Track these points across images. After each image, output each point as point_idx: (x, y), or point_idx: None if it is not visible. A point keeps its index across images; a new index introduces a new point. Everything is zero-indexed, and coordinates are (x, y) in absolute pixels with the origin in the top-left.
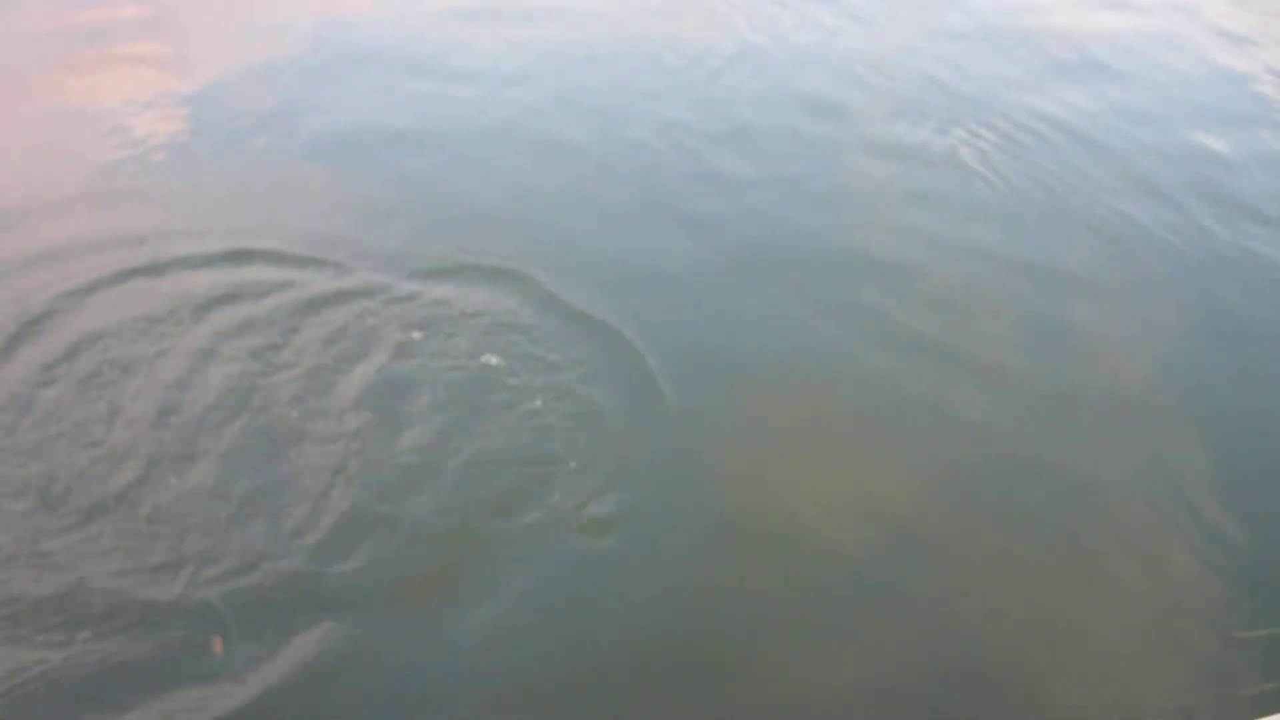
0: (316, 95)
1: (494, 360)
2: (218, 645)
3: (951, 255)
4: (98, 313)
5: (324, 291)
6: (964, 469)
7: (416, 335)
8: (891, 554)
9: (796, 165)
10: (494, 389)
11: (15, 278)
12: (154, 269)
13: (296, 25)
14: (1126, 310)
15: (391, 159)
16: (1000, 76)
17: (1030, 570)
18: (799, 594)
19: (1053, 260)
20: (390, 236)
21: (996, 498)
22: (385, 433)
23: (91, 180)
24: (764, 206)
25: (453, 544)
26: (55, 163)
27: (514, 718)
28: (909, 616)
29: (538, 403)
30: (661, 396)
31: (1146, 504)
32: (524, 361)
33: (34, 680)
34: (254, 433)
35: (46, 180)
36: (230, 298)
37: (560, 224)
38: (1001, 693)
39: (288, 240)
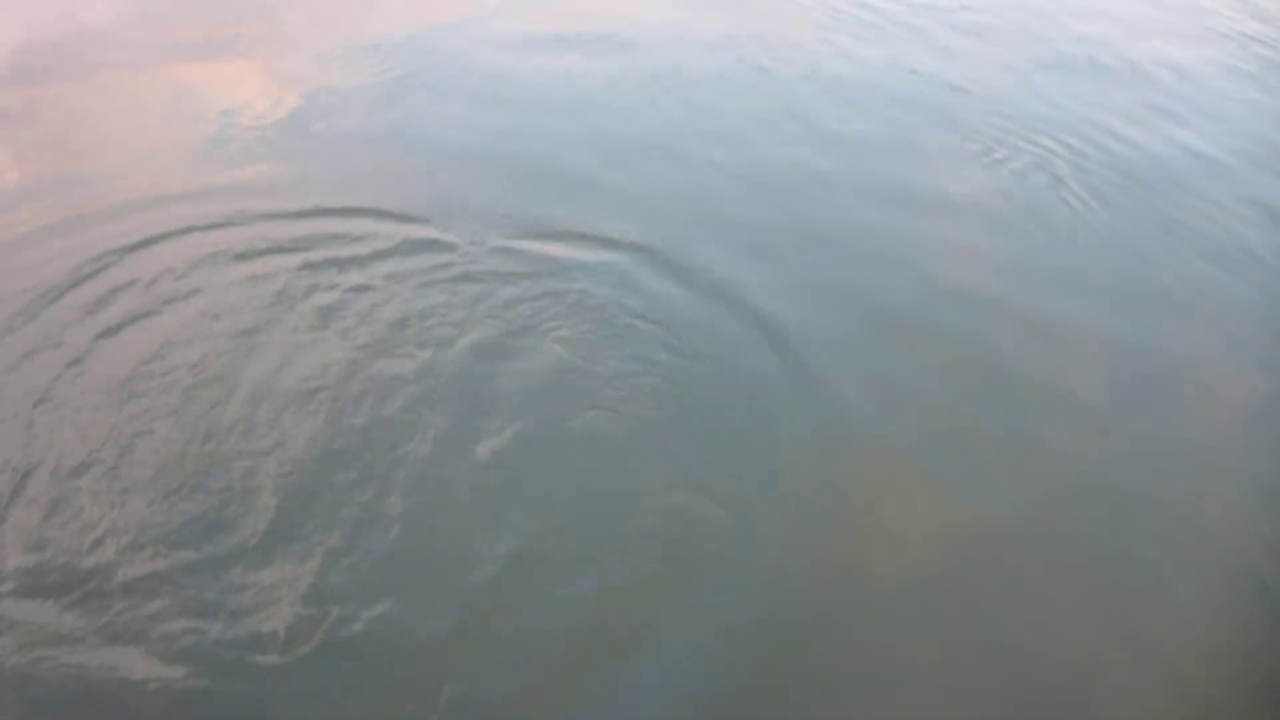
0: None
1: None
2: None
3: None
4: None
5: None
6: (1055, 504)
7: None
8: (974, 587)
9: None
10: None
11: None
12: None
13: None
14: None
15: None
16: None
17: (1116, 606)
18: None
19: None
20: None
21: (1087, 534)
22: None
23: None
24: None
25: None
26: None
27: None
28: (988, 654)
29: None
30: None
31: (1235, 541)
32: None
33: None
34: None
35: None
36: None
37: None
38: None
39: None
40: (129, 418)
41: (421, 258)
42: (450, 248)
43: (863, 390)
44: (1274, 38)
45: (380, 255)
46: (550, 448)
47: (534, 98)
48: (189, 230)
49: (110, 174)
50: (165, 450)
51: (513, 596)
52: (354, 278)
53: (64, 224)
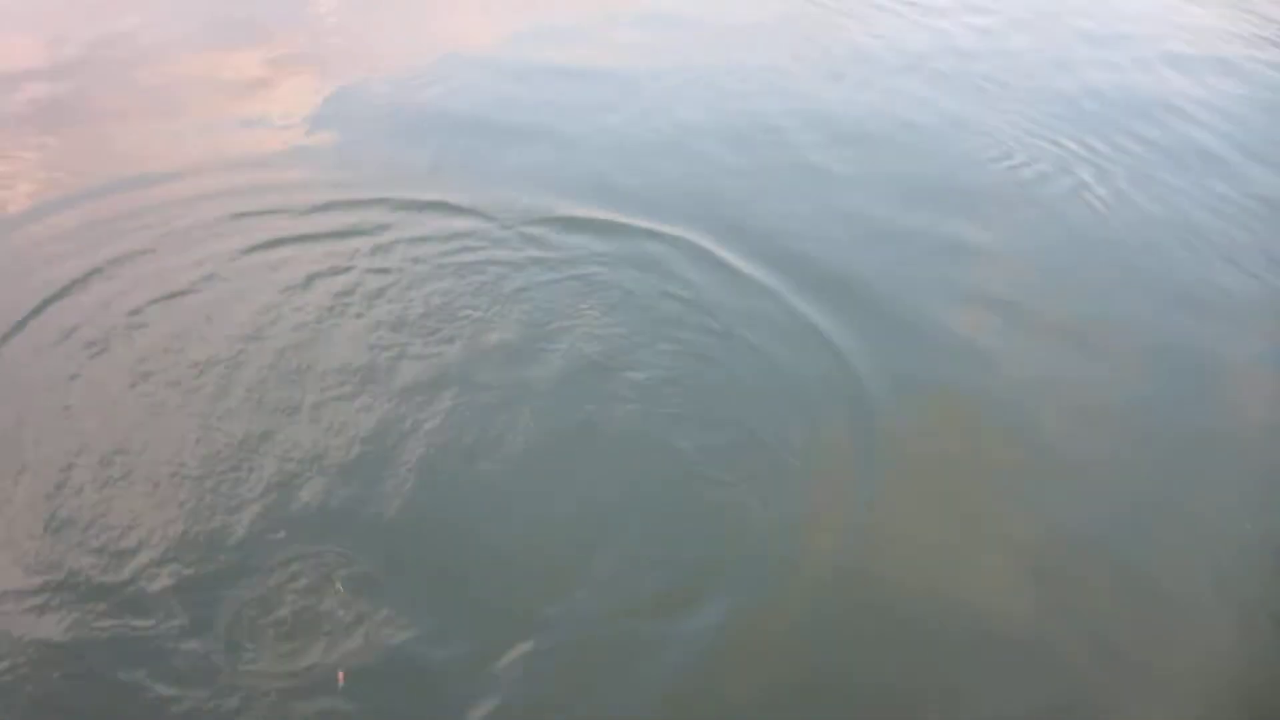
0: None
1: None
2: (340, 678)
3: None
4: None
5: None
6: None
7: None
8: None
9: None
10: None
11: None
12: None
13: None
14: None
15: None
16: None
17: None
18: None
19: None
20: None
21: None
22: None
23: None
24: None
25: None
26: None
27: None
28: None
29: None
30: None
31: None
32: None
33: None
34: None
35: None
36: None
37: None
38: None
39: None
40: (148, 406)
41: (447, 244)
42: (480, 233)
43: (887, 395)
44: None
45: (401, 242)
46: (579, 445)
47: (561, 122)
48: (211, 204)
49: (129, 159)
50: (185, 446)
51: (551, 607)
52: (379, 262)
53: (81, 195)
